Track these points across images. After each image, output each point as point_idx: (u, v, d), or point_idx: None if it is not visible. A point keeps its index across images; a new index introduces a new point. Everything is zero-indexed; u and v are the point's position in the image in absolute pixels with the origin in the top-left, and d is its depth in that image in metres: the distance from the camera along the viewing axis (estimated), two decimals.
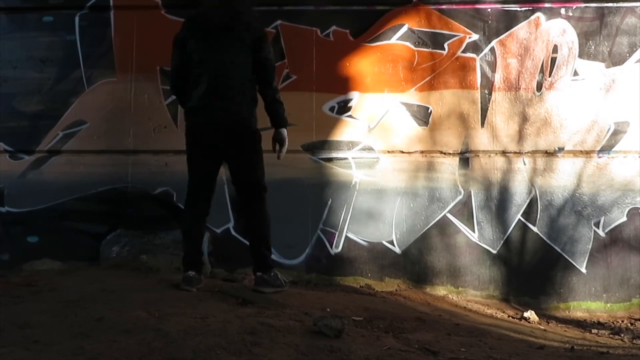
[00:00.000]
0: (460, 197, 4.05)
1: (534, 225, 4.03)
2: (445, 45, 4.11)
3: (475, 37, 4.12)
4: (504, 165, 4.07)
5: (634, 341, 3.32)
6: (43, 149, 4.13)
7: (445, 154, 4.09)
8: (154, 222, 4.02)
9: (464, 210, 4.04)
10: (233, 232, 4.04)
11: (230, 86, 3.11)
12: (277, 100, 3.23)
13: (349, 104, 4.10)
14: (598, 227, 4.02)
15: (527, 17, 4.12)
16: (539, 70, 4.11)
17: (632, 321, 3.80)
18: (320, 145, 4.09)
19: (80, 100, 4.15)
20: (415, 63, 4.11)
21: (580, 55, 4.10)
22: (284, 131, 3.25)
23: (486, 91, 4.10)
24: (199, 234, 3.26)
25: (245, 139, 3.14)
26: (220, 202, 4.05)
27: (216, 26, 3.13)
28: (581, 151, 4.07)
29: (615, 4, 4.11)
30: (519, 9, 4.13)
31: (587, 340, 3.23)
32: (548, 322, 3.73)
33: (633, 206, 4.02)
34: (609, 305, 3.97)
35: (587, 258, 4.00)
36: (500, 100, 4.10)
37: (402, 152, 4.09)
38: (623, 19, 4.11)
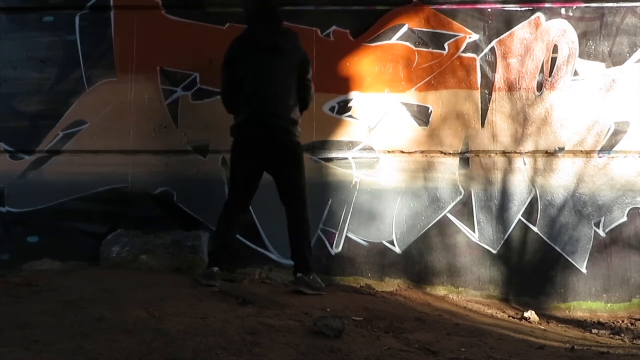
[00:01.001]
0: (460, 197, 4.05)
1: (534, 225, 4.03)
2: (445, 45, 4.11)
3: (475, 37, 4.12)
4: (504, 165, 4.07)
5: (634, 341, 3.32)
6: (43, 149, 4.13)
7: (445, 153, 4.09)
8: (154, 222, 4.02)
9: (464, 210, 4.04)
10: None
11: (276, 104, 3.30)
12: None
13: (349, 104, 4.10)
14: (598, 227, 4.02)
15: (527, 17, 4.12)
16: (539, 70, 4.11)
17: (632, 321, 3.80)
18: (320, 145, 4.09)
19: (80, 100, 4.15)
20: (415, 63, 4.11)
21: (580, 55, 4.10)
22: None
23: (486, 91, 4.10)
24: (230, 236, 3.41)
25: (289, 154, 3.35)
26: (221, 202, 4.04)
27: (265, 47, 3.31)
28: (581, 151, 4.07)
29: (615, 4, 4.11)
30: (519, 8, 4.13)
31: (587, 340, 3.23)
32: (548, 322, 3.73)
33: (633, 206, 4.02)
34: (609, 305, 3.97)
35: (587, 258, 4.00)
36: (500, 100, 4.10)
37: (402, 152, 4.09)
38: (623, 19, 4.11)
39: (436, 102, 4.10)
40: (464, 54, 4.11)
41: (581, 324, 3.75)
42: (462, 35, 4.12)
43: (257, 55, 3.32)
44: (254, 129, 3.31)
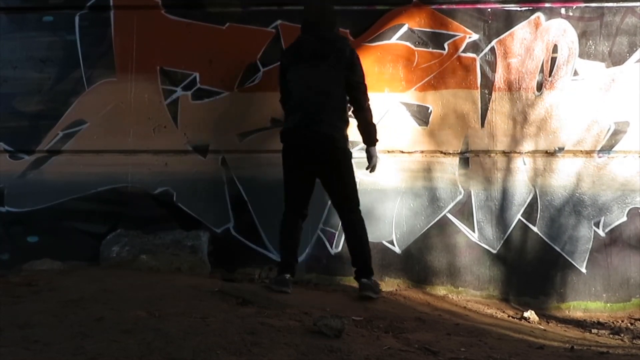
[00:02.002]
0: (460, 197, 4.05)
1: (534, 225, 4.03)
2: (445, 45, 4.11)
3: (475, 37, 4.12)
4: (504, 165, 4.07)
5: (634, 341, 3.32)
6: (43, 148, 4.13)
7: (445, 153, 4.09)
8: (154, 222, 4.03)
9: (464, 210, 4.04)
10: (233, 232, 4.04)
11: (323, 110, 3.35)
12: (370, 122, 3.53)
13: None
14: (598, 227, 4.03)
15: (527, 17, 4.12)
16: (539, 70, 4.11)
17: (632, 321, 3.81)
18: None
19: (80, 100, 4.15)
20: (415, 63, 4.11)
21: (580, 55, 4.10)
22: (374, 149, 3.56)
23: (486, 91, 4.10)
24: (294, 242, 3.47)
25: (337, 159, 3.38)
26: (221, 202, 4.05)
27: (308, 55, 3.39)
28: (581, 151, 4.07)
29: (615, 4, 4.11)
30: (519, 8, 4.13)
31: (587, 340, 3.23)
32: (548, 322, 3.73)
33: (633, 206, 4.02)
34: (609, 305, 3.97)
35: (587, 258, 4.00)
36: (500, 100, 4.10)
37: (402, 152, 4.09)
38: (623, 19, 4.11)
39: (436, 102, 4.10)
40: (463, 54, 4.11)
41: (581, 324, 3.75)
42: (462, 35, 4.12)
43: (301, 64, 3.40)
44: (298, 135, 3.36)
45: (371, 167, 3.57)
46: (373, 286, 3.37)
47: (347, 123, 3.47)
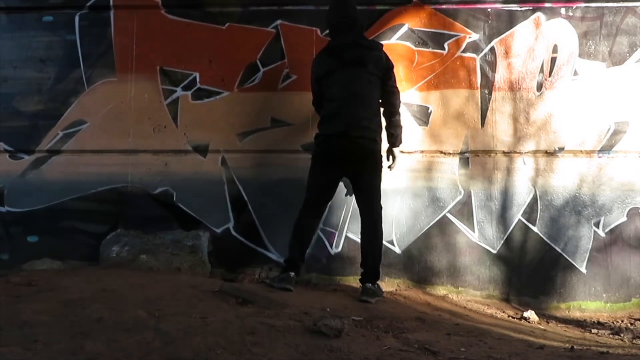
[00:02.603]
0: (460, 197, 4.05)
1: (534, 225, 4.03)
2: (445, 45, 4.11)
3: (475, 37, 4.12)
4: (504, 165, 4.07)
5: (634, 341, 3.32)
6: (43, 148, 4.13)
7: (445, 153, 4.09)
8: (154, 222, 4.03)
9: (464, 210, 4.04)
10: (233, 232, 4.04)
11: (365, 116, 3.41)
12: (399, 125, 3.61)
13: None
14: (598, 227, 4.03)
15: (527, 17, 4.12)
16: (539, 70, 4.11)
17: (632, 321, 3.81)
18: None
19: (80, 100, 4.15)
20: (415, 63, 4.11)
21: (580, 55, 4.10)
22: (398, 150, 3.66)
23: (486, 91, 4.10)
24: (307, 241, 3.52)
25: (372, 163, 3.47)
26: (221, 202, 4.05)
27: (350, 62, 3.44)
28: (581, 151, 4.07)
29: (615, 4, 4.11)
30: (519, 8, 4.13)
31: (587, 340, 3.23)
32: (548, 322, 3.73)
33: (633, 206, 4.03)
34: (609, 305, 3.98)
35: (587, 258, 4.00)
36: (500, 100, 4.10)
37: (402, 152, 4.08)
38: (623, 19, 4.11)
39: (436, 102, 4.10)
40: (464, 54, 4.11)
41: (581, 324, 3.75)
42: (462, 35, 4.12)
43: (341, 70, 3.44)
44: (342, 141, 3.40)
45: (394, 166, 3.68)
46: (376, 291, 3.41)
47: (382, 128, 3.54)
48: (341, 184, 3.69)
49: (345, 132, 3.39)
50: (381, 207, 3.50)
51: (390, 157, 3.66)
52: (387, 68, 3.52)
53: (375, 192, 3.48)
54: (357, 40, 3.51)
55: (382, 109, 3.56)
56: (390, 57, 3.59)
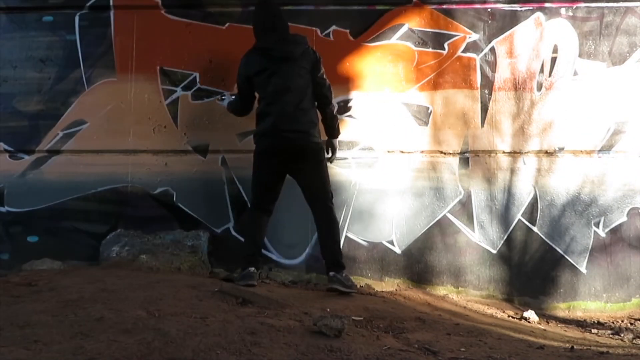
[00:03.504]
0: (460, 197, 4.05)
1: (534, 225, 4.04)
2: (446, 45, 4.11)
3: (475, 37, 4.12)
4: (504, 165, 4.08)
5: (634, 341, 3.32)
6: (43, 148, 4.13)
7: (445, 153, 4.09)
8: (154, 222, 4.03)
9: (464, 210, 4.04)
10: (233, 232, 4.04)
11: (300, 110, 3.43)
12: (334, 115, 3.65)
13: (349, 104, 4.10)
14: (598, 227, 4.03)
15: (527, 17, 4.12)
16: (539, 70, 4.11)
17: (632, 321, 3.81)
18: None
19: (80, 100, 4.15)
20: (415, 63, 4.11)
21: (580, 55, 4.10)
22: (336, 141, 3.70)
23: (486, 91, 4.11)
24: (260, 237, 3.54)
25: (316, 155, 3.47)
26: (220, 202, 4.05)
27: (280, 58, 3.45)
28: (581, 151, 4.07)
29: (615, 4, 4.11)
30: (519, 8, 4.13)
31: (587, 340, 3.23)
32: (548, 322, 3.73)
33: (633, 206, 4.03)
34: (609, 305, 3.98)
35: (587, 258, 4.01)
36: (500, 100, 4.10)
37: (402, 152, 4.09)
38: (623, 19, 4.11)
39: (436, 102, 4.10)
40: (464, 54, 4.12)
41: (581, 324, 3.75)
42: (462, 35, 4.12)
43: (271, 68, 3.45)
44: (276, 136, 3.42)
45: (334, 159, 3.71)
46: (343, 280, 3.36)
47: (318, 119, 3.55)
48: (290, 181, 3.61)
49: (277, 127, 3.40)
50: (332, 196, 3.49)
51: (330, 149, 3.66)
52: (315, 60, 3.52)
53: (320, 186, 3.47)
54: (283, 37, 3.52)
55: (315, 103, 3.55)
56: (316, 50, 3.59)
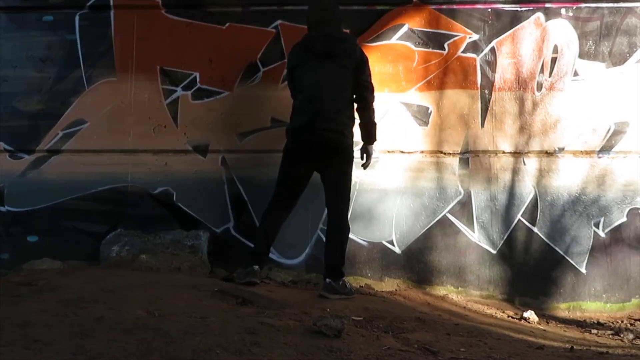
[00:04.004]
0: (460, 197, 4.05)
1: (534, 225, 4.03)
2: (446, 45, 4.11)
3: (475, 37, 4.12)
4: (504, 165, 4.07)
5: (634, 341, 3.32)
6: (43, 148, 4.13)
7: (445, 154, 4.09)
8: (154, 222, 4.02)
9: (464, 210, 4.04)
10: (233, 232, 4.04)
11: (334, 108, 3.38)
12: (373, 121, 3.57)
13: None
14: (598, 227, 4.03)
15: (527, 17, 4.12)
16: (539, 70, 4.11)
17: (632, 321, 3.81)
18: None
19: (80, 100, 4.15)
20: (415, 63, 4.11)
21: (580, 55, 4.10)
22: (372, 148, 3.62)
23: (486, 91, 4.10)
24: (273, 234, 3.50)
25: (341, 157, 3.42)
26: (221, 202, 4.05)
27: (320, 54, 3.41)
28: (581, 151, 4.07)
29: (615, 4, 4.11)
30: (519, 9, 4.13)
31: (587, 340, 3.23)
32: (548, 322, 3.73)
33: (633, 206, 4.03)
34: (609, 305, 3.98)
35: (587, 258, 4.00)
36: (500, 100, 4.10)
37: (402, 152, 4.09)
38: (623, 19, 4.11)
39: (436, 102, 4.10)
40: (464, 54, 4.11)
41: (581, 324, 3.75)
42: (462, 35, 4.12)
43: (310, 62, 3.42)
44: (309, 133, 3.38)
45: (368, 165, 3.63)
46: (338, 288, 3.31)
47: (354, 121, 3.50)
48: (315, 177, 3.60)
49: (311, 124, 3.36)
50: (349, 201, 3.48)
51: (365, 155, 3.61)
52: (360, 62, 3.47)
53: (343, 188, 3.44)
54: (329, 33, 3.47)
55: (355, 104, 3.52)
56: (365, 52, 3.57)
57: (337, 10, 3.58)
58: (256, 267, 3.39)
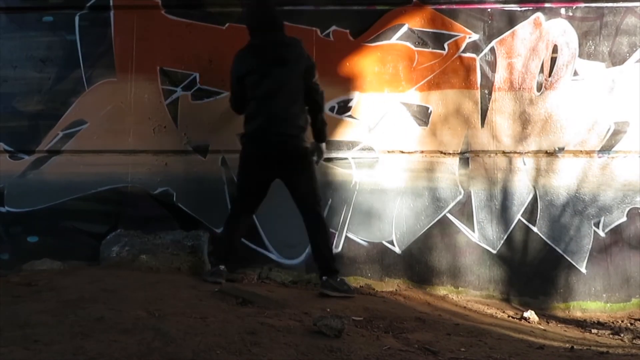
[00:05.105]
0: (460, 197, 4.05)
1: (534, 225, 4.04)
2: (445, 45, 4.11)
3: (475, 37, 4.12)
4: (504, 165, 4.07)
5: (634, 341, 3.33)
6: (43, 149, 4.13)
7: (445, 154, 4.09)
8: (154, 222, 4.02)
9: (464, 210, 4.04)
10: None
11: (289, 113, 3.40)
12: (324, 121, 3.60)
13: (349, 104, 4.10)
14: (598, 227, 4.03)
15: (527, 17, 4.12)
16: (539, 70, 4.11)
17: (632, 321, 3.81)
18: None
19: (80, 100, 4.15)
20: (415, 63, 4.11)
21: (580, 55, 4.10)
22: (324, 145, 3.65)
23: (486, 91, 4.11)
24: (236, 238, 3.54)
25: (300, 160, 3.44)
26: (220, 202, 4.05)
27: (272, 60, 3.41)
28: (581, 151, 4.07)
29: (615, 4, 4.11)
30: (519, 9, 4.13)
31: (587, 340, 3.23)
32: (548, 322, 3.73)
33: (633, 206, 4.03)
34: (609, 305, 3.98)
35: (587, 258, 4.00)
36: (500, 100, 4.10)
37: (402, 152, 4.09)
38: (623, 19, 4.11)
39: (436, 102, 4.10)
40: (464, 54, 4.12)
41: (581, 324, 3.75)
42: (462, 35, 4.12)
43: (263, 68, 3.41)
44: (264, 139, 3.39)
45: (319, 161, 3.65)
46: (336, 285, 3.32)
47: (307, 123, 3.51)
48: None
49: (266, 130, 3.38)
50: (320, 199, 3.47)
51: (317, 152, 3.61)
52: (309, 66, 3.48)
53: (310, 190, 3.44)
54: (278, 38, 3.47)
55: (306, 107, 3.51)
56: (311, 55, 3.58)
57: (279, 14, 3.58)
58: (222, 267, 3.42)
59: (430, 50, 4.12)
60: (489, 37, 4.12)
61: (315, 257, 3.43)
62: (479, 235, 4.03)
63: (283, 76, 3.41)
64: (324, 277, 3.36)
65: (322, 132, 3.60)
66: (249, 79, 3.44)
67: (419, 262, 4.02)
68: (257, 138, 3.41)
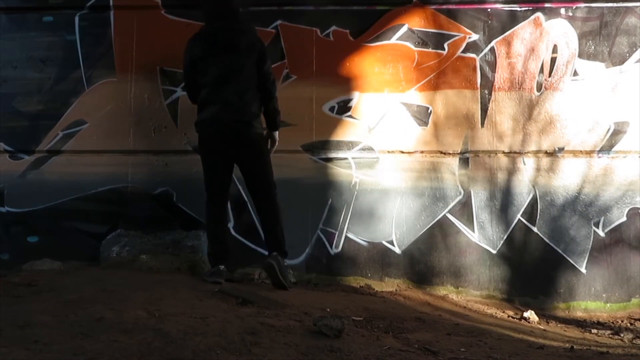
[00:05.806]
0: (460, 197, 4.05)
1: (534, 225, 4.03)
2: (446, 45, 4.11)
3: (475, 37, 4.12)
4: (504, 165, 4.08)
5: (634, 341, 3.33)
6: (43, 149, 4.13)
7: (445, 154, 4.09)
8: (154, 222, 4.03)
9: (464, 210, 4.04)
10: (233, 232, 4.04)
11: (241, 99, 3.38)
12: (277, 109, 3.56)
13: (349, 104, 4.10)
14: (598, 227, 4.03)
15: (527, 17, 4.12)
16: (539, 70, 4.11)
17: (632, 321, 3.81)
18: (320, 145, 4.09)
19: (80, 100, 4.15)
20: (415, 63, 4.11)
21: (580, 55, 4.10)
22: (277, 133, 3.62)
23: (486, 91, 4.11)
24: (222, 231, 3.53)
25: (259, 145, 3.45)
26: None
27: (224, 46, 3.39)
28: (581, 151, 4.07)
29: (615, 4, 4.11)
30: (519, 9, 4.13)
31: (587, 340, 3.23)
32: (548, 322, 3.73)
33: (633, 206, 4.03)
34: (609, 305, 3.98)
35: (587, 258, 4.00)
36: (500, 100, 4.10)
37: (402, 152, 4.09)
38: (623, 19, 4.11)
39: (436, 102, 4.10)
40: (464, 54, 4.12)
41: (581, 324, 3.75)
42: (462, 35, 4.12)
43: (215, 55, 3.39)
44: (217, 126, 3.38)
45: (272, 150, 3.62)
46: (282, 266, 3.33)
47: (261, 110, 3.49)
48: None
49: (218, 117, 3.36)
50: (275, 186, 3.46)
51: (270, 140, 3.60)
52: (261, 53, 3.45)
53: (263, 176, 3.45)
54: (231, 25, 3.45)
55: (259, 94, 3.49)
56: (264, 42, 3.55)
57: (235, 3, 3.52)
58: (222, 267, 3.41)
59: (430, 50, 4.12)
60: (489, 37, 4.12)
61: (265, 237, 3.45)
62: (479, 235, 4.03)
63: (234, 62, 3.39)
64: (273, 253, 3.36)
65: (274, 121, 3.57)
66: (200, 64, 3.41)
67: (419, 262, 4.02)
68: (210, 124, 3.40)
